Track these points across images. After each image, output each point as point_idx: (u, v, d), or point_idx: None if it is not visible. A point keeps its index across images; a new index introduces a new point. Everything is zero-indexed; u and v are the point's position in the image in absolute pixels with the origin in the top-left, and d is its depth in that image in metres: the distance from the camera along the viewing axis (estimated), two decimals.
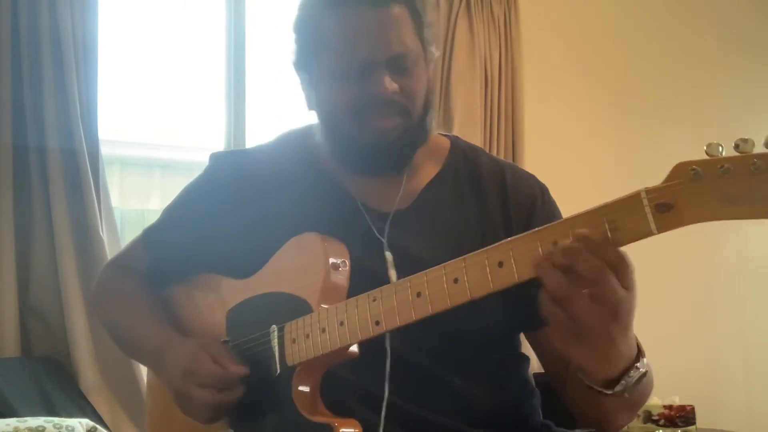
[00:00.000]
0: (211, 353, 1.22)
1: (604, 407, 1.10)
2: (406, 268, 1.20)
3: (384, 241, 1.26)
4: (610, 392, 1.03)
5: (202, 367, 1.20)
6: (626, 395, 1.03)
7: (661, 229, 0.88)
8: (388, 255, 1.24)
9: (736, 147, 0.84)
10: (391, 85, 1.21)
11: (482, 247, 1.23)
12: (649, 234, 0.88)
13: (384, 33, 1.21)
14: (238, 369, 1.20)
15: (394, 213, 1.30)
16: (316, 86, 1.30)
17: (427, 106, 1.29)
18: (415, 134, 1.28)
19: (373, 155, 1.26)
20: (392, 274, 1.23)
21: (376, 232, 1.27)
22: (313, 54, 1.28)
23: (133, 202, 3.76)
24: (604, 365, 1.02)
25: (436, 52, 1.33)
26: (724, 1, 4.25)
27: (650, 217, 0.87)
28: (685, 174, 0.86)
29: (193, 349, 1.24)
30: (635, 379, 1.02)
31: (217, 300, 1.33)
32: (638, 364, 1.02)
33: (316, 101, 1.31)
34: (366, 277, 1.18)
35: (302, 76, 1.33)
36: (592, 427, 1.21)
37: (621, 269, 0.92)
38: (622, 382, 1.02)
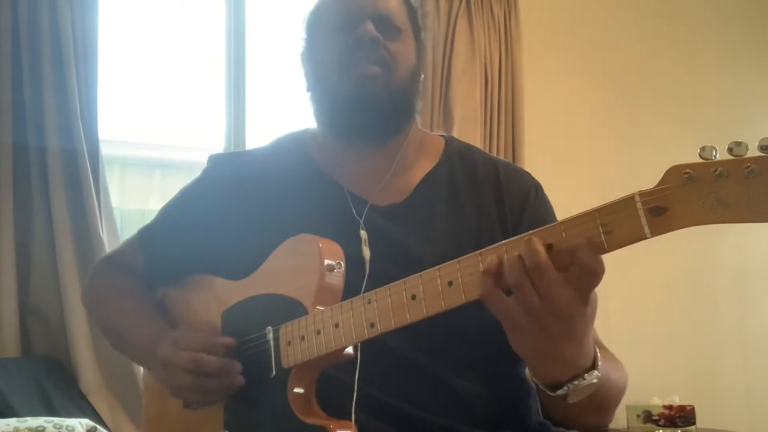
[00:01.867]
0: (198, 328, 1.25)
1: (561, 407, 1.10)
2: (399, 263, 1.22)
3: (360, 221, 1.28)
4: (552, 394, 1.03)
5: (186, 335, 1.23)
6: (568, 400, 1.03)
7: (655, 232, 0.87)
8: (363, 233, 1.26)
9: (730, 150, 0.83)
10: (373, 31, 1.28)
11: (478, 241, 1.25)
12: (643, 238, 0.88)
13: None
14: (222, 338, 1.22)
15: (388, 206, 1.32)
16: (312, 57, 1.37)
17: (412, 82, 1.34)
18: (398, 101, 1.32)
19: (355, 107, 1.29)
20: (365, 251, 1.25)
21: (355, 214, 1.29)
22: (314, 30, 1.38)
23: (133, 202, 3.76)
24: (545, 363, 1.02)
25: (428, 45, 1.41)
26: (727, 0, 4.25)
27: (644, 220, 0.87)
28: (678, 177, 0.86)
29: (182, 329, 1.27)
30: (580, 387, 1.02)
31: (213, 301, 1.33)
32: (587, 375, 1.02)
33: (311, 72, 1.38)
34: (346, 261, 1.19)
35: (305, 57, 1.39)
36: (563, 424, 1.21)
37: (539, 277, 0.93)
38: (565, 387, 1.02)
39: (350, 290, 1.14)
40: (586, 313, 0.96)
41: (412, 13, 1.37)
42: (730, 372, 3.96)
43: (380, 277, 1.14)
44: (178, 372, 1.21)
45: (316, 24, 1.38)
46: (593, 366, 1.03)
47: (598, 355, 1.05)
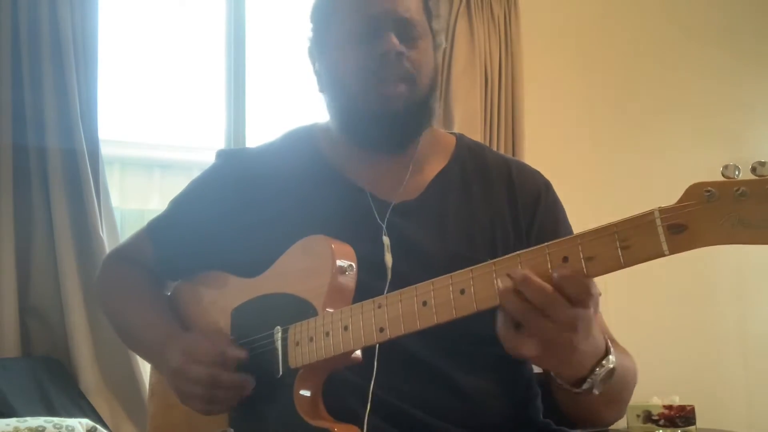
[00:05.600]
0: (211, 337, 1.23)
1: (583, 404, 1.11)
2: (413, 260, 1.22)
3: (383, 225, 1.27)
4: (578, 390, 1.04)
5: (199, 346, 1.21)
6: (595, 391, 1.04)
7: (674, 250, 0.85)
8: (386, 239, 1.25)
9: (753, 170, 0.81)
10: (398, 44, 1.25)
11: (491, 238, 1.24)
12: (661, 255, 0.86)
13: None
14: (236, 351, 1.20)
15: (401, 204, 1.31)
16: (327, 59, 1.34)
17: (432, 86, 1.32)
18: (420, 110, 1.30)
19: (379, 124, 1.28)
20: (387, 258, 1.24)
21: (377, 217, 1.28)
22: (327, 26, 1.33)
23: (133, 202, 3.76)
24: (570, 368, 1.03)
25: (443, 42, 1.38)
26: (728, 4, 4.24)
27: (663, 237, 0.85)
28: (699, 195, 0.84)
29: (194, 335, 1.26)
30: (601, 376, 1.03)
31: (223, 298, 1.33)
32: (604, 361, 1.03)
33: (326, 76, 1.34)
34: (365, 263, 1.19)
35: (316, 53, 1.36)
36: (580, 423, 1.21)
37: (572, 294, 0.93)
38: (589, 380, 1.03)
39: (371, 295, 1.12)
40: (591, 312, 0.97)
41: (428, 9, 1.34)
42: (730, 372, 3.96)
43: (396, 276, 1.14)
44: (190, 384, 1.21)
45: (328, 20, 1.34)
46: (607, 351, 1.04)
47: (607, 340, 1.06)
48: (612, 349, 1.05)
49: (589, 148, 3.81)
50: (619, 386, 1.11)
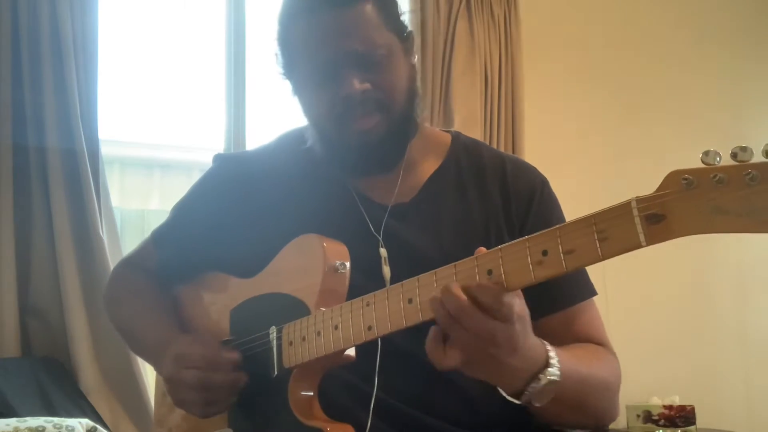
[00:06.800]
0: (203, 342, 1.24)
1: (538, 411, 1.11)
2: (409, 262, 1.22)
3: (379, 238, 1.27)
4: (519, 402, 1.05)
5: (191, 352, 1.22)
6: (535, 404, 1.05)
7: (651, 241, 0.83)
8: (383, 251, 1.25)
9: (734, 156, 0.78)
10: (360, 84, 1.22)
11: (486, 238, 1.24)
12: (638, 246, 0.84)
13: (345, 33, 1.22)
14: (229, 354, 1.21)
15: (396, 206, 1.31)
16: (300, 95, 1.33)
17: (410, 97, 1.29)
18: (401, 128, 1.29)
19: (361, 157, 1.28)
20: (386, 270, 1.24)
21: (372, 228, 1.28)
22: (291, 64, 1.31)
23: (133, 202, 3.75)
24: (501, 381, 1.04)
25: (413, 34, 1.33)
26: (726, 4, 4.24)
27: (639, 228, 0.83)
28: (677, 183, 0.81)
29: (189, 339, 1.26)
30: (538, 389, 1.03)
31: (222, 298, 1.35)
32: (540, 375, 1.03)
33: (303, 109, 1.34)
34: (360, 272, 1.19)
35: (289, 83, 1.36)
36: (549, 424, 1.21)
37: (485, 305, 0.94)
38: (526, 392, 1.04)
39: None
40: (516, 329, 0.97)
41: (388, 16, 1.27)
42: (730, 372, 3.96)
43: (393, 278, 1.14)
44: (183, 389, 1.22)
45: (291, 60, 1.31)
46: (547, 364, 1.04)
47: (551, 353, 1.06)
48: (555, 362, 1.05)
49: (588, 148, 3.81)
50: (574, 395, 1.11)
